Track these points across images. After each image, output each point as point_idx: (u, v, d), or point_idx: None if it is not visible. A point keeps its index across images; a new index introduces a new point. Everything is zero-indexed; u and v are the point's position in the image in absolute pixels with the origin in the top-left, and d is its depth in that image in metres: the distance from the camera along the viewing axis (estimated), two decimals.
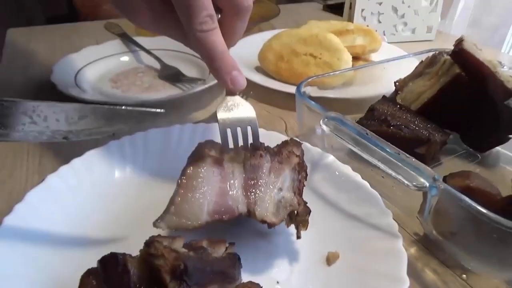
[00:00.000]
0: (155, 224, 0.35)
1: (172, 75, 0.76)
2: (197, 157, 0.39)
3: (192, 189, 0.36)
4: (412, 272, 0.40)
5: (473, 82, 0.54)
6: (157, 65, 0.80)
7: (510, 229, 0.33)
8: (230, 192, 0.38)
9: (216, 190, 0.37)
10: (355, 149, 0.45)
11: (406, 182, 0.39)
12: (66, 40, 0.96)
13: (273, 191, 0.39)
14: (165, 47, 0.84)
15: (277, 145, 0.43)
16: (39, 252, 0.37)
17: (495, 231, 0.34)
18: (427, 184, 0.37)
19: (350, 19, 1.03)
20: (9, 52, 0.89)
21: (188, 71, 0.78)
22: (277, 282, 0.37)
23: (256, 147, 0.41)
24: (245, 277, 0.35)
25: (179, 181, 0.37)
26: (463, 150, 0.60)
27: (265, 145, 0.42)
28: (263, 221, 0.37)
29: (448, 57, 0.57)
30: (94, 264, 0.30)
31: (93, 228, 0.41)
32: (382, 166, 0.41)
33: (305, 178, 0.41)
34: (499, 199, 0.38)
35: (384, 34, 1.04)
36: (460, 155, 0.59)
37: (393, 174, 0.40)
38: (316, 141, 0.54)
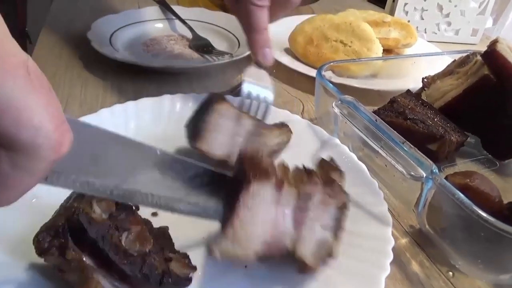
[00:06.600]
0: (209, 251, 0.30)
1: (202, 46, 0.77)
2: (260, 172, 0.31)
3: (251, 211, 0.31)
4: (397, 261, 0.40)
5: (500, 85, 0.52)
6: (189, 35, 0.81)
7: (499, 230, 0.32)
8: (282, 223, 0.32)
9: (271, 218, 0.32)
10: (363, 135, 0.45)
11: (404, 171, 0.39)
12: (110, 1, 1.00)
13: (317, 226, 0.33)
14: (200, 18, 0.85)
15: (321, 167, 0.37)
16: None
17: (484, 231, 0.33)
18: (424, 175, 0.37)
19: (392, 12, 1.00)
20: (56, 8, 0.94)
21: (218, 44, 0.79)
22: (245, 266, 0.35)
23: (310, 172, 0.34)
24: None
25: (240, 198, 0.31)
26: (482, 155, 0.58)
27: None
28: (301, 262, 0.32)
29: (480, 57, 0.55)
30: None
31: None
32: (383, 153, 0.41)
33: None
34: (497, 201, 0.37)
35: (425, 32, 1.01)
36: (478, 160, 0.57)
37: (393, 162, 0.40)
38: (330, 126, 0.54)
